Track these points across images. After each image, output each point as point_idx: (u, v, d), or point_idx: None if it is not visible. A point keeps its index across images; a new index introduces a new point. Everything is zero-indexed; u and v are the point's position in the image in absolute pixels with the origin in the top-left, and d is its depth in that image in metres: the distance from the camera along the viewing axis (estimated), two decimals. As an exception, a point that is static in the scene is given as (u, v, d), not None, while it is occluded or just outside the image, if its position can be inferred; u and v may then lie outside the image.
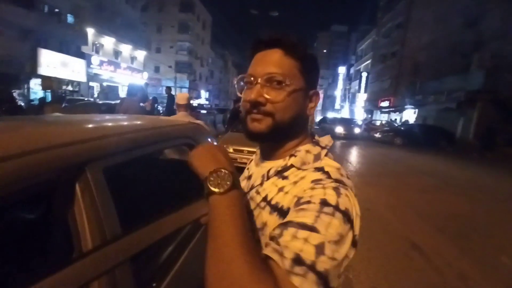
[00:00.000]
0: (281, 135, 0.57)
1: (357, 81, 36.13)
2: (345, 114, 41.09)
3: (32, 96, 15.71)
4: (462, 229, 3.74)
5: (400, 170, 7.95)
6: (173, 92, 10.49)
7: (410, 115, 23.42)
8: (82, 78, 20.17)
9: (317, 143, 0.60)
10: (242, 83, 0.59)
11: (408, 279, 2.46)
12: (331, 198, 0.45)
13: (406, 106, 23.56)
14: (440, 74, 17.93)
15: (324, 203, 0.45)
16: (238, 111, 8.21)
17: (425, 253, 2.95)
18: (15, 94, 10.83)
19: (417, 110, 22.25)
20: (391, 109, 26.05)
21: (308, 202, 0.46)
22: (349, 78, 44.58)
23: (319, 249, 0.40)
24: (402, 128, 15.97)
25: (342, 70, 48.02)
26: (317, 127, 27.78)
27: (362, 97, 34.08)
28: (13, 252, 0.88)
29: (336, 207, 0.45)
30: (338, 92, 50.11)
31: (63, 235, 0.68)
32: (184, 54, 36.97)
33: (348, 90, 43.21)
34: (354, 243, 0.47)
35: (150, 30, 34.36)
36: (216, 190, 0.43)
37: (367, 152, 11.82)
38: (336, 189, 0.47)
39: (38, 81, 16.05)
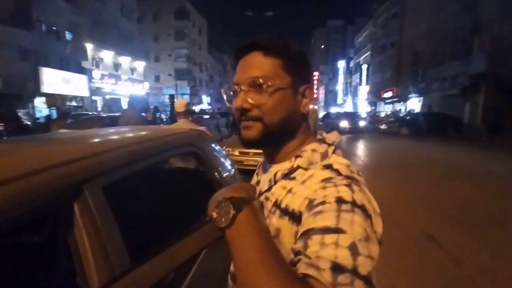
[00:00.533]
0: (275, 137, 0.55)
1: (358, 74, 35.89)
2: (348, 108, 40.81)
3: (37, 114, 15.96)
4: (477, 219, 3.64)
5: (408, 160, 7.83)
6: (175, 100, 10.55)
7: (415, 104, 23.14)
8: (85, 93, 20.46)
9: (323, 141, 0.56)
10: (231, 93, 0.57)
11: (428, 273, 2.39)
12: (346, 195, 0.42)
13: (410, 95, 23.29)
14: (441, 60, 17.69)
15: (340, 200, 0.42)
16: None
17: (442, 245, 2.86)
18: (20, 114, 11.00)
19: (421, 98, 21.96)
20: (394, 99, 25.78)
21: (323, 203, 0.42)
22: (349, 72, 44.32)
23: (354, 250, 0.37)
24: (407, 118, 15.72)
25: (341, 64, 47.76)
26: (321, 123, 27.72)
27: (364, 90, 33.81)
28: (13, 281, 0.85)
29: (354, 203, 0.42)
30: (339, 87, 49.86)
31: (63, 265, 0.64)
32: (182, 61, 37.21)
33: (350, 83, 42.94)
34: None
35: (147, 40, 34.66)
36: (221, 225, 0.43)
37: (374, 144, 11.69)
38: (349, 186, 0.44)
39: (42, 99, 16.33)
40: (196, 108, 26.46)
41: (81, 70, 20.08)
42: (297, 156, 0.54)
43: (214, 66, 52.38)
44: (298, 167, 0.53)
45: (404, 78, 23.96)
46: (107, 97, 23.68)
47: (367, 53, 34.19)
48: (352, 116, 18.36)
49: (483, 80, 14.73)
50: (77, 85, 19.33)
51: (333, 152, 0.55)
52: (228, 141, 6.43)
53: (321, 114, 36.65)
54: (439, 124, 13.88)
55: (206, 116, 12.82)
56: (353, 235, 0.38)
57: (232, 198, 0.45)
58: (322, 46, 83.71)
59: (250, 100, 0.51)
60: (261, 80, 0.51)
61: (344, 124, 16.20)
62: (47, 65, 16.98)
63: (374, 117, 20.34)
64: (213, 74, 50.78)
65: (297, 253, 0.40)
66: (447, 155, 8.81)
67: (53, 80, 17.06)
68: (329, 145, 0.56)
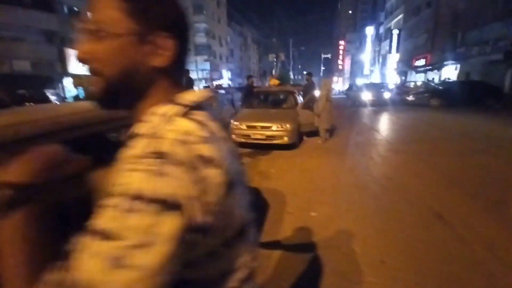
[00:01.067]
0: (118, 96, 0.45)
1: (388, 41, 33.04)
2: (375, 79, 38.22)
3: (67, 94, 16.92)
4: (498, 195, 3.31)
5: (434, 134, 7.26)
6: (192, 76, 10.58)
7: (450, 72, 21.02)
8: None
9: (175, 101, 0.45)
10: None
11: (425, 251, 2.25)
12: (139, 185, 0.34)
13: (445, 63, 21.14)
14: (484, 21, 15.57)
15: (126, 193, 0.34)
16: (252, 87, 7.99)
17: (449, 223, 2.67)
18: (49, 94, 11.68)
19: (458, 65, 19.86)
20: (427, 67, 23.58)
21: (110, 193, 0.35)
22: (378, 39, 40.94)
23: (116, 262, 0.31)
24: (439, 87, 14.33)
25: (370, 30, 44.06)
26: (345, 95, 26.40)
27: (394, 58, 31.27)
28: None
29: (146, 197, 0.33)
30: (366, 56, 46.49)
31: None
32: (201, 36, 36.64)
33: (378, 52, 39.83)
34: (197, 231, 0.37)
35: (166, 15, 34.30)
36: None
37: (398, 117, 10.96)
38: (149, 172, 0.35)
39: (71, 80, 17.16)
40: (214, 84, 26.36)
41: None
42: (140, 121, 0.45)
43: (234, 40, 51.02)
44: (135, 135, 0.42)
45: (440, 43, 21.65)
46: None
47: (399, 16, 31.07)
48: (377, 87, 17.20)
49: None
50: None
51: (186, 115, 0.43)
52: (237, 115, 6.36)
53: (347, 86, 34.92)
54: (476, 93, 12.55)
55: (222, 91, 12.72)
56: (122, 243, 0.32)
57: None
58: (350, 11, 77.23)
59: (84, 50, 0.43)
60: (93, 26, 0.42)
61: (366, 96, 15.27)
62: (72, 47, 17.61)
63: (402, 88, 18.84)
64: (233, 48, 49.66)
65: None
66: (480, 127, 8.02)
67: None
68: (185, 106, 0.45)
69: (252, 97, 7.21)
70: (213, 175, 0.38)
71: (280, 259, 2.20)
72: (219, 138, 0.44)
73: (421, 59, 24.17)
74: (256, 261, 0.52)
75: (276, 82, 8.92)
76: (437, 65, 22.27)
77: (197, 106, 0.45)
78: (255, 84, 9.22)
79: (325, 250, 2.28)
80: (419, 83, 19.50)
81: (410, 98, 13.96)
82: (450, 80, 17.60)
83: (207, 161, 0.38)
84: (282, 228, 2.64)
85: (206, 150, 0.39)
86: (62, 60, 16.69)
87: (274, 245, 2.37)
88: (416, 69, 25.86)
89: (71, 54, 17.15)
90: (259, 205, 3.15)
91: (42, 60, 15.61)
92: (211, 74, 36.94)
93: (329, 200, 3.29)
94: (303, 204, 3.17)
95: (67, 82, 17.50)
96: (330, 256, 2.20)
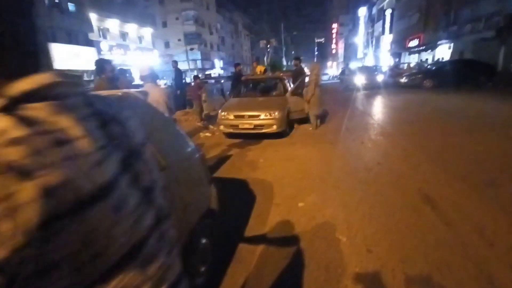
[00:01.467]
0: None
1: (381, 21, 32.44)
2: (369, 62, 37.83)
3: (54, 91, 16.44)
4: (489, 175, 3.26)
5: (425, 115, 7.18)
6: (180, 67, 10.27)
7: (444, 52, 20.80)
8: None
9: None
10: None
11: (413, 237, 2.20)
12: None
13: (439, 42, 20.87)
14: (477, -3, 15.26)
15: None
16: (240, 75, 7.77)
17: (438, 207, 2.61)
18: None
19: (452, 44, 19.62)
20: (421, 48, 23.27)
21: None
22: (371, 20, 40.22)
23: None
24: (432, 68, 14.15)
25: (363, 11, 43.18)
26: (338, 80, 26.14)
27: (387, 39, 30.79)
28: None
29: None
30: (360, 39, 45.82)
31: None
32: (190, 23, 35.66)
33: (371, 34, 39.21)
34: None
35: (152, 4, 33.20)
36: None
37: (391, 100, 10.86)
38: None
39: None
40: (204, 74, 25.84)
41: (89, 43, 19.96)
42: None
43: (225, 27, 49.81)
44: None
45: (433, 22, 21.28)
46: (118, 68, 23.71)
47: (392, -4, 30.38)
48: (370, 70, 16.99)
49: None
50: (87, 59, 19.39)
51: (10, 110, 0.31)
52: (224, 104, 6.20)
53: (340, 70, 34.55)
54: (469, 72, 12.43)
55: (211, 81, 12.45)
56: None
57: None
58: (342, -7, 75.48)
59: None
60: None
61: (359, 79, 15.08)
62: (55, 41, 17.00)
63: (394, 70, 18.63)
64: (224, 35, 48.54)
65: None
66: (472, 106, 7.97)
67: (63, 55, 17.17)
68: (9, 98, 0.31)
69: (240, 86, 7.02)
70: (24, 189, 0.28)
71: (263, 254, 2.12)
72: (57, 138, 0.31)
73: (415, 39, 23.83)
74: (166, 274, 0.42)
75: (262, 68, 8.55)
76: (431, 45, 21.99)
77: (34, 96, 0.33)
78: (243, 72, 8.96)
79: (311, 242, 2.21)
80: (412, 65, 19.29)
81: (403, 80, 13.81)
82: (442, 60, 17.38)
83: (16, 170, 0.28)
84: (268, 221, 2.56)
85: (15, 155, 0.28)
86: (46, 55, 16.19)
87: (258, 239, 2.30)
88: (409, 50, 25.55)
89: (55, 48, 16.58)
90: (245, 198, 3.06)
91: (25, 56, 15.08)
92: (202, 64, 36.22)
93: (318, 188, 3.21)
94: (291, 194, 3.09)
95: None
96: (315, 248, 2.14)
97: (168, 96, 2.87)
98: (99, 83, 2.86)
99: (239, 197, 3.11)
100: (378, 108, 9.30)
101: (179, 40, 33.73)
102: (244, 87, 7.05)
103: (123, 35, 25.14)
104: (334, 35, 75.16)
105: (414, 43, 24.07)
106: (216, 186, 2.07)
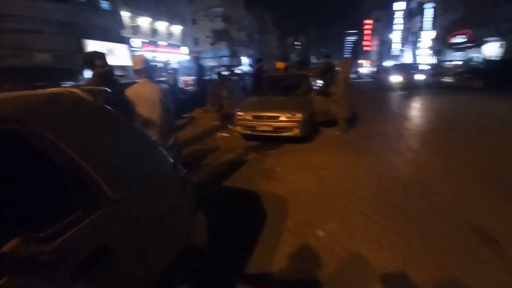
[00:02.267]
0: None
1: (420, 17, 29.98)
2: (407, 60, 35.20)
3: (87, 86, 17.19)
4: None
5: (476, 122, 6.19)
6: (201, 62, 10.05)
7: (492, 50, 18.57)
8: (127, 61, 21.25)
9: None
10: None
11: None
12: None
13: (486, 39, 18.66)
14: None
15: None
16: (261, 72, 7.28)
17: (498, 248, 1.96)
18: (67, 86, 11.78)
19: (503, 43, 17.39)
20: (468, 45, 20.99)
21: None
22: (409, 15, 37.43)
23: None
24: (482, 67, 12.50)
25: (399, 5, 40.29)
26: (372, 79, 24.53)
27: (427, 36, 28.36)
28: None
29: None
30: (396, 35, 42.90)
31: None
32: (218, 20, 35.74)
33: (409, 30, 36.48)
34: None
35: (182, 2, 33.74)
36: None
37: (433, 102, 9.72)
38: None
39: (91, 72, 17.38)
40: (233, 71, 25.62)
41: (121, 40, 20.62)
42: None
43: (253, 24, 49.37)
44: None
45: (481, 17, 19.03)
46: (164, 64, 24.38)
47: (434, -12, 27.86)
48: (407, 68, 15.55)
49: None
50: (119, 55, 20.05)
51: None
52: (243, 104, 5.76)
53: (374, 68, 32.67)
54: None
55: (235, 78, 12.11)
56: None
57: None
58: (378, -13, 71.25)
59: None
60: None
61: (395, 78, 13.82)
62: (90, 37, 17.72)
63: (437, 69, 16.86)
64: (252, 32, 48.15)
65: None
66: None
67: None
68: None
69: (261, 84, 6.53)
70: None
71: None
72: None
73: (460, 35, 21.56)
74: None
75: (282, 65, 7.92)
76: (477, 42, 19.75)
77: None
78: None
79: (329, 291, 1.71)
80: (459, 63, 17.30)
81: (448, 79, 12.38)
82: (494, 59, 15.35)
83: None
84: (277, 253, 2.09)
85: None
86: (81, 51, 16.89)
87: (261, 280, 1.84)
88: (453, 47, 23.22)
89: (90, 45, 17.30)
90: (253, 217, 2.61)
91: (62, 52, 15.86)
92: (230, 61, 36.21)
93: (341, 211, 2.67)
94: (308, 217, 2.58)
95: (88, 73, 17.78)
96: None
97: (165, 94, 2.48)
98: (90, 81, 2.56)
99: (246, 215, 2.67)
100: (418, 112, 8.30)
101: (208, 37, 33.93)
102: (265, 85, 6.55)
103: (154, 32, 25.78)
104: (367, 32, 71.49)
105: (458, 39, 21.80)
106: (205, 215, 1.63)
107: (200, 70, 9.41)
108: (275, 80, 6.72)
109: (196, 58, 9.34)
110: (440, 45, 25.85)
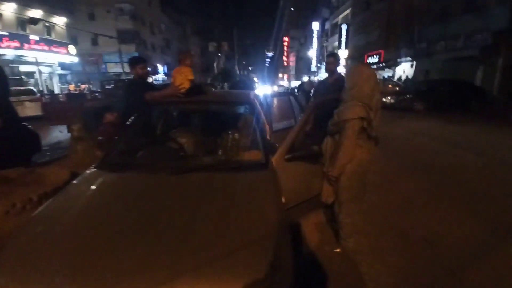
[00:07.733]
0: None
1: (336, 36, 31.66)
2: (323, 76, 36.96)
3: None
4: None
5: (438, 157, 4.17)
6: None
7: (406, 70, 19.88)
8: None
9: None
10: None
11: None
12: None
13: (400, 60, 19.90)
14: (453, 13, 14.06)
15: None
16: (139, 89, 2.78)
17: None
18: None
19: (414, 63, 18.66)
20: (380, 64, 22.26)
21: None
22: (325, 35, 39.88)
23: None
24: (422, 88, 11.71)
25: (316, 26, 42.84)
26: (297, 94, 23.66)
27: (343, 54, 29.90)
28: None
29: None
30: (313, 53, 45.40)
31: None
32: (126, 19, 29.82)
33: (326, 48, 38.71)
34: None
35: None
36: None
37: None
38: None
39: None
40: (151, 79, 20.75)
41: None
42: None
43: (171, 29, 44.49)
44: None
45: (395, 39, 20.32)
46: (10, 65, 17.11)
47: (347, 11, 29.80)
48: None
49: (502, 39, 11.54)
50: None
51: None
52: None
53: (294, 83, 32.51)
54: (459, 95, 10.53)
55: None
56: None
57: None
58: (292, 9, 76.68)
59: None
60: None
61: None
62: None
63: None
64: (170, 38, 43.20)
65: None
66: (481, 138, 5.46)
67: None
68: None
69: (137, 123, 2.55)
70: None
71: None
72: None
73: (374, 55, 22.81)
74: None
75: (188, 75, 2.81)
76: (391, 62, 21.04)
77: None
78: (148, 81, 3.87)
79: None
80: (394, 81, 16.71)
81: (390, 101, 11.32)
82: (434, 79, 15.03)
83: None
84: None
85: None
86: None
87: None
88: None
89: None
90: None
91: None
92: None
93: None
94: None
95: None
96: None
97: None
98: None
99: None
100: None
101: (111, 37, 27.56)
102: (147, 130, 2.58)
103: (23, 23, 18.60)
104: (285, 48, 75.47)
105: (373, 59, 23.05)
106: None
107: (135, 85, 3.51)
108: (172, 115, 2.92)
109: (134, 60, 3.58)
110: (356, 64, 27.37)
